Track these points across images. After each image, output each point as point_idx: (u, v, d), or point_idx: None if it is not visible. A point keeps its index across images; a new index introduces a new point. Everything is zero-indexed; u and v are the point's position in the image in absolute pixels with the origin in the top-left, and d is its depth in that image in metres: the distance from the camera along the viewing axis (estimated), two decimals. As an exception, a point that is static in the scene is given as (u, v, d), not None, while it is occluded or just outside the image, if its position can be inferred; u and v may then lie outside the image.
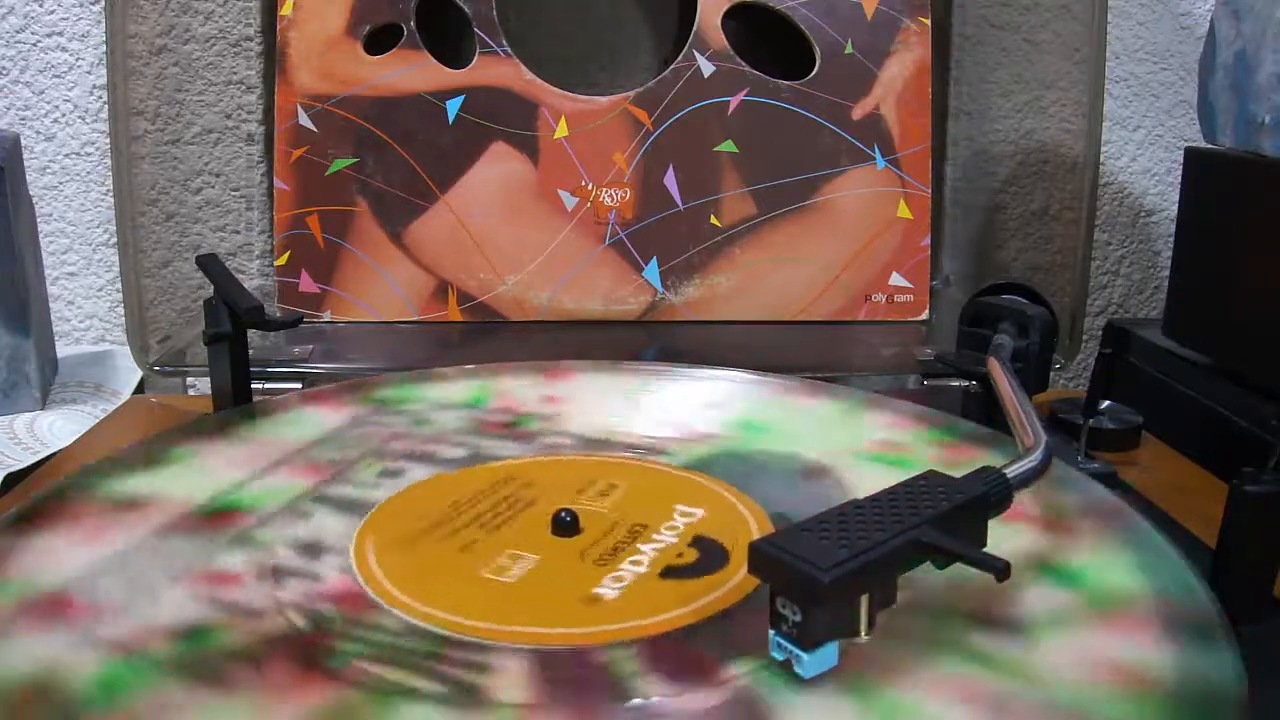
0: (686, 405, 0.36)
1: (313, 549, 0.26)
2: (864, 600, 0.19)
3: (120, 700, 0.19)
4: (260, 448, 0.32)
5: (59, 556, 0.24)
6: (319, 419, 0.34)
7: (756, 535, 0.27)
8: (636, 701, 0.20)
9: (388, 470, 0.31)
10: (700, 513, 0.28)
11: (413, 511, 0.28)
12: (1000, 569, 0.19)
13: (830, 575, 0.18)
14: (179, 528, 0.26)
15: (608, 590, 0.24)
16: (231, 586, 0.24)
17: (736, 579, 0.24)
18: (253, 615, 0.23)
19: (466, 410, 0.35)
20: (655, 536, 0.26)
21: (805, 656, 0.19)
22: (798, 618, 0.19)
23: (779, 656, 0.19)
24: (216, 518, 0.27)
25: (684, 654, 0.21)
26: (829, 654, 0.19)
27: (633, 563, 0.25)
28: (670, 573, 0.25)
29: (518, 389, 0.37)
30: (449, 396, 0.36)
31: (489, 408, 0.36)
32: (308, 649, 0.21)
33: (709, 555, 0.26)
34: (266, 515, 0.27)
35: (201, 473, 0.30)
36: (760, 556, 0.19)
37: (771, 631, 0.19)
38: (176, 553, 0.25)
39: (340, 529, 0.27)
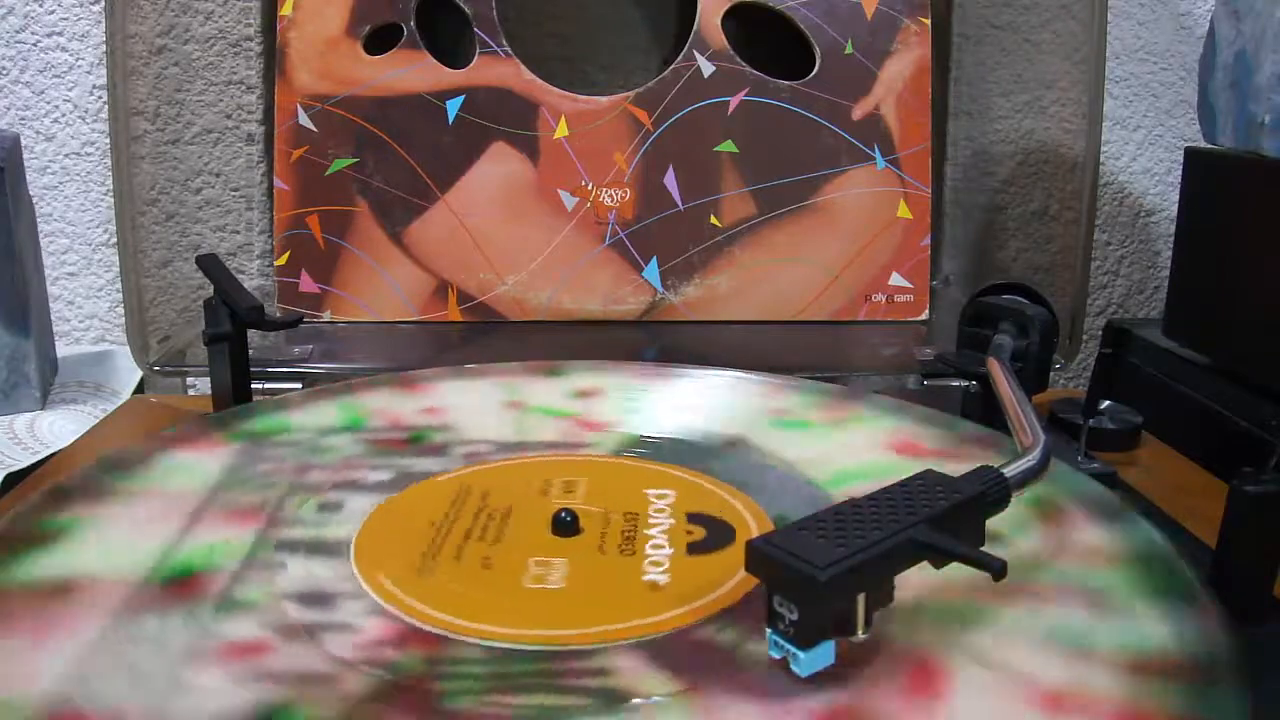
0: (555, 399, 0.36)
1: (319, 598, 0.23)
2: (861, 599, 0.19)
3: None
4: (158, 502, 0.28)
5: (24, 663, 0.20)
6: (195, 464, 0.30)
7: (733, 505, 0.28)
8: (773, 654, 0.20)
9: (325, 504, 0.28)
10: (672, 493, 0.29)
11: (397, 539, 0.26)
12: (997, 568, 0.19)
13: (827, 574, 0.18)
14: (143, 605, 0.23)
15: (657, 576, 0.24)
16: (267, 656, 0.21)
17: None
18: (321, 681, 0.20)
19: (352, 433, 0.33)
20: (652, 520, 0.27)
21: (802, 655, 0.19)
22: (794, 616, 0.19)
23: (776, 655, 0.19)
24: (179, 586, 0.23)
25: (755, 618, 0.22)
26: (826, 652, 0.19)
27: (654, 547, 0.26)
28: (696, 549, 0.26)
29: (390, 405, 0.35)
30: (323, 422, 0.34)
31: (374, 426, 0.34)
32: (416, 699, 0.19)
33: (715, 530, 0.27)
34: (236, 572, 0.24)
35: (113, 540, 0.25)
36: (757, 555, 0.19)
37: (768, 630, 0.19)
38: (166, 634, 0.21)
39: (328, 572, 0.24)
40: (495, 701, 0.19)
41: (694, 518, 0.27)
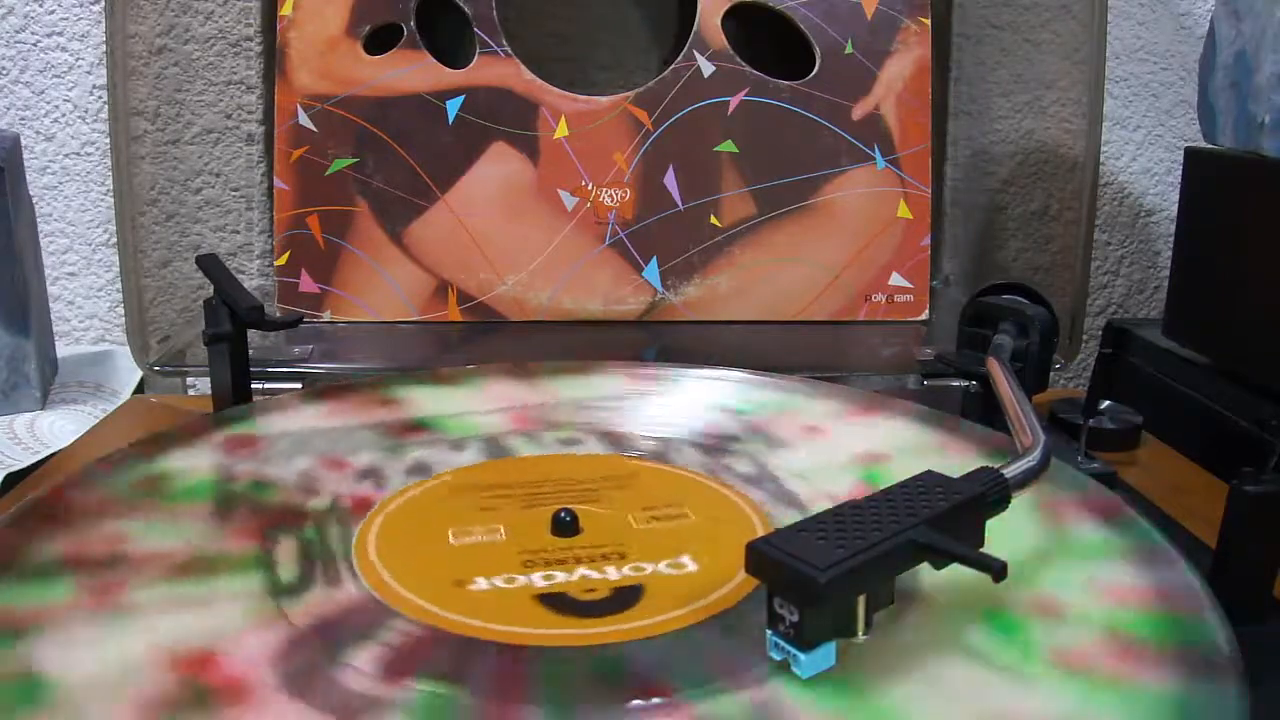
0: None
1: (369, 474, 0.30)
2: (861, 600, 0.19)
3: (161, 501, 0.26)
4: (534, 393, 0.36)
5: (297, 419, 0.32)
6: (610, 385, 0.37)
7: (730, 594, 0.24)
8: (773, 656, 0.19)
9: (569, 439, 0.33)
10: (692, 567, 0.25)
11: (503, 473, 0.30)
12: (997, 569, 0.19)
13: (827, 575, 0.18)
14: (382, 427, 0.32)
15: (483, 585, 0.24)
16: (329, 471, 0.29)
17: (593, 630, 0.22)
18: (297, 490, 0.28)
19: (724, 415, 0.34)
20: (607, 569, 0.25)
21: (803, 656, 0.19)
22: (795, 618, 0.19)
23: (777, 657, 0.19)
24: (411, 429, 0.32)
25: (418, 657, 0.21)
26: (826, 654, 0.19)
27: (545, 577, 0.24)
28: (549, 600, 0.23)
29: (758, 399, 0.36)
30: (727, 399, 0.36)
31: (748, 420, 0.34)
32: (263, 519, 0.26)
33: (611, 603, 0.23)
34: (438, 438, 0.32)
35: (467, 397, 0.35)
36: (758, 556, 0.19)
37: (769, 631, 0.19)
38: (353, 440, 0.31)
39: (450, 464, 0.30)
40: (271, 545, 0.25)
41: (627, 589, 0.24)
